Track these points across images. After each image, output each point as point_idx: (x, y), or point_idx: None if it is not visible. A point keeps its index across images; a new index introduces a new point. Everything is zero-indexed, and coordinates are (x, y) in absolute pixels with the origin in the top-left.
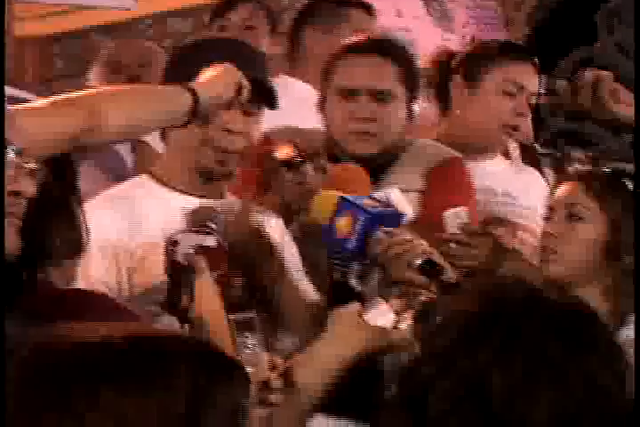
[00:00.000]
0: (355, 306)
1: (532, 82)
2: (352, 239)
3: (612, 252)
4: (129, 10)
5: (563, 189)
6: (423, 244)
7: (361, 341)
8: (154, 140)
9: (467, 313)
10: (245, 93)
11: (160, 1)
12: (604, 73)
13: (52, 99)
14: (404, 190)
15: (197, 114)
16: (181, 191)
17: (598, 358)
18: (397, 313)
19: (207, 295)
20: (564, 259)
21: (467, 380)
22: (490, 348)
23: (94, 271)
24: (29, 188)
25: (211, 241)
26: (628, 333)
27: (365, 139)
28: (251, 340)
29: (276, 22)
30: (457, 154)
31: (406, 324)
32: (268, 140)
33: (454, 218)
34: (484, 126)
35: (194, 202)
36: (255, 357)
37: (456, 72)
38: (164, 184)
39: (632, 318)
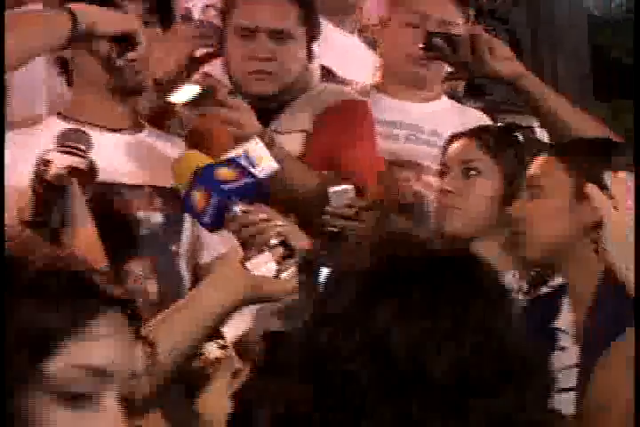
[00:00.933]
0: (237, 251)
1: (441, 11)
2: (207, 215)
3: (508, 204)
4: None
5: (457, 146)
6: (278, 224)
7: (241, 287)
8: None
9: (360, 273)
10: (139, 46)
11: None
12: (478, 28)
13: None
14: (286, 132)
15: (77, 37)
16: (94, 126)
17: (486, 303)
18: (278, 262)
19: (79, 209)
20: (463, 215)
21: (369, 340)
22: (388, 306)
23: None
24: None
25: (82, 163)
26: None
27: (263, 78)
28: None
29: None
30: (360, 98)
31: (287, 273)
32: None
33: (340, 195)
34: (393, 58)
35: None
36: None
37: None
38: (76, 121)
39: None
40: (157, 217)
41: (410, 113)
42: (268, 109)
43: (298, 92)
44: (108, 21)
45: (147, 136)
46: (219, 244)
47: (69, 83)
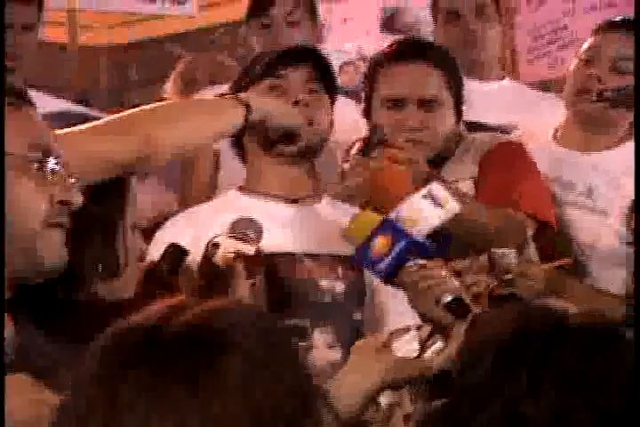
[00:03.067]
0: (378, 336)
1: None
2: (386, 260)
3: None
4: (192, 17)
5: None
6: (455, 282)
7: (380, 373)
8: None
9: (493, 345)
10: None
11: (231, 9)
12: None
13: (106, 121)
14: (455, 181)
15: (250, 126)
16: (273, 196)
17: (624, 377)
18: (424, 341)
19: (241, 293)
20: None
21: (504, 413)
22: (521, 379)
23: None
24: (78, 198)
25: (250, 249)
26: None
27: (417, 147)
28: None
29: (315, 12)
30: (513, 139)
31: (432, 352)
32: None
33: (501, 259)
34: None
35: (280, 208)
36: None
37: None
38: (256, 193)
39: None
40: (340, 285)
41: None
42: (431, 162)
43: (455, 145)
44: (279, 115)
45: (325, 206)
46: (403, 312)
47: (245, 160)
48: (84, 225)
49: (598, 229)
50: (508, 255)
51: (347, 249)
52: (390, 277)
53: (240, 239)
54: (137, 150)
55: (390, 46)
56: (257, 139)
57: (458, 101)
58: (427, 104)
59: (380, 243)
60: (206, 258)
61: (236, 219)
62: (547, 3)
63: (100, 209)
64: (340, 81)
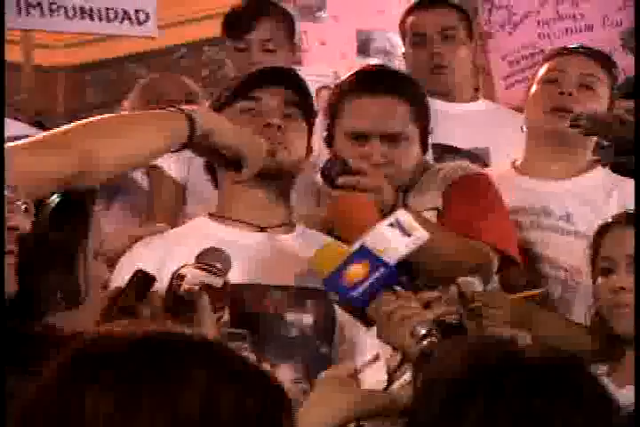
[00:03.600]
0: (346, 367)
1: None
2: (359, 288)
3: None
4: (153, 38)
5: (617, 234)
6: (429, 314)
7: (346, 405)
8: (166, 162)
9: (448, 379)
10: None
11: (193, 29)
12: None
13: (45, 136)
14: (418, 211)
15: (194, 141)
16: (243, 223)
17: (584, 415)
18: (393, 371)
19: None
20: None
21: None
22: (472, 417)
23: None
24: (25, 224)
25: (217, 281)
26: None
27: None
28: (242, 345)
29: (293, 39)
30: (479, 171)
31: (401, 381)
32: None
33: (465, 287)
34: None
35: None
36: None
37: None
38: (227, 219)
39: None
40: (307, 318)
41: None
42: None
43: (419, 176)
44: (223, 132)
45: (297, 236)
46: (373, 347)
47: (216, 185)
48: (43, 251)
49: (580, 252)
50: (473, 283)
51: (317, 281)
52: (364, 305)
53: (207, 270)
54: (75, 165)
55: (355, 76)
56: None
57: (424, 134)
58: (391, 139)
59: (354, 271)
60: (171, 290)
61: (203, 249)
62: (520, 27)
63: (60, 235)
64: (316, 105)
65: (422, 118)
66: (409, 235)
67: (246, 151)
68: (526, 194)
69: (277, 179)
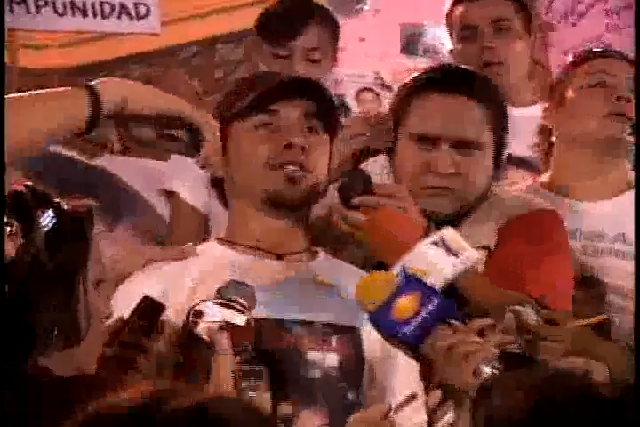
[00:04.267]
0: (377, 408)
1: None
2: (412, 324)
3: None
4: (155, 35)
5: None
6: (493, 348)
7: None
8: (187, 192)
9: (513, 419)
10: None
11: (202, 26)
12: None
13: None
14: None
15: (99, 120)
16: (256, 249)
17: None
18: (433, 411)
19: (224, 378)
20: None
21: None
22: None
23: None
24: (9, 249)
25: (239, 319)
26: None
27: (443, 195)
28: (257, 383)
29: (336, 52)
30: (547, 207)
31: (443, 423)
32: None
33: (520, 318)
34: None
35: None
36: (260, 397)
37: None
38: (237, 244)
39: None
40: (332, 358)
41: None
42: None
43: (478, 202)
44: (142, 99)
45: (320, 263)
46: (409, 385)
47: (226, 204)
48: (37, 281)
49: None
50: (526, 312)
51: (345, 316)
52: (417, 342)
53: (228, 307)
54: None
55: (427, 72)
56: (241, 182)
57: (499, 146)
58: (463, 146)
59: (403, 303)
60: (187, 328)
61: (225, 282)
62: (586, 17)
63: (56, 262)
64: (355, 110)
65: (500, 127)
66: (456, 255)
67: (193, 118)
68: (575, 216)
69: (298, 209)
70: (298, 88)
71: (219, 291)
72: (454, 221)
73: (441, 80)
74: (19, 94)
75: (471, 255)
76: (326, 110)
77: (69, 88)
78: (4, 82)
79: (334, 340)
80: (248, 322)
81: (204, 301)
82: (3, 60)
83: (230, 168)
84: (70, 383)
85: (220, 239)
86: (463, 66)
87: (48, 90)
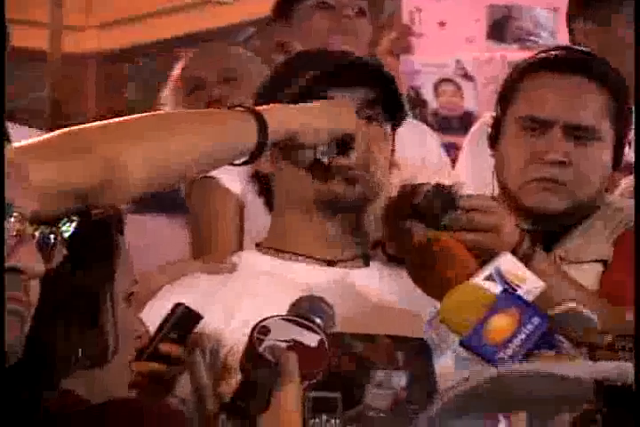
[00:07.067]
0: None
1: None
2: (510, 348)
3: None
4: (226, 3)
5: None
6: None
7: None
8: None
9: None
10: (358, 142)
11: (260, 2)
12: None
13: (53, 136)
14: (577, 261)
15: (264, 149)
16: (301, 256)
17: None
18: None
19: (289, 408)
20: None
21: None
22: None
23: None
24: (36, 264)
25: (310, 338)
26: None
27: (551, 188)
28: (330, 416)
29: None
30: None
31: None
32: None
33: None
34: None
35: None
36: None
37: None
38: (279, 251)
39: None
40: (400, 377)
41: None
42: (545, 234)
43: (593, 208)
44: (312, 131)
45: (373, 271)
46: None
47: (270, 206)
48: (61, 298)
49: None
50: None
51: (407, 328)
52: None
53: (300, 324)
54: (95, 176)
55: (541, 52)
56: (291, 174)
57: (620, 138)
58: (578, 133)
59: (497, 323)
60: (251, 346)
61: (299, 298)
62: None
63: (82, 277)
64: (435, 104)
65: (622, 118)
66: (514, 289)
67: (356, 131)
68: None
69: (354, 211)
70: (355, 72)
71: (293, 306)
72: (564, 231)
73: (556, 59)
74: (153, 113)
75: (533, 287)
76: (388, 97)
77: (229, 111)
78: (4, 78)
79: (400, 355)
80: (321, 342)
81: (272, 317)
82: (3, 56)
83: (280, 164)
84: (102, 411)
85: (259, 246)
86: (576, 47)
87: (205, 110)
